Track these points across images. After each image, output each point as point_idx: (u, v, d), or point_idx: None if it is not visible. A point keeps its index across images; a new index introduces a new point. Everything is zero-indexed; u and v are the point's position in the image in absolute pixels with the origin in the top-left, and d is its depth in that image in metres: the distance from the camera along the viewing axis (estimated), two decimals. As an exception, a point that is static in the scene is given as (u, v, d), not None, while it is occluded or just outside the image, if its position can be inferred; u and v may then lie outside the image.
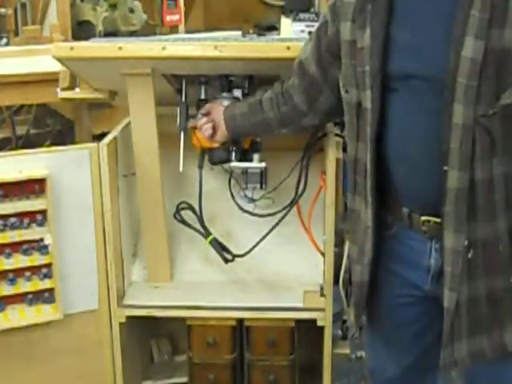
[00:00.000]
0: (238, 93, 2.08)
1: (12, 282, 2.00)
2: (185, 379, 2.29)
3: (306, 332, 2.17)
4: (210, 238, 2.16)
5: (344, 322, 2.19)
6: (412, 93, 1.46)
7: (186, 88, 2.06)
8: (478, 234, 1.45)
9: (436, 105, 1.41)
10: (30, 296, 2.03)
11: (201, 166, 2.08)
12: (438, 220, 1.48)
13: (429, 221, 1.52)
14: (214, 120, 1.96)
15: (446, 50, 1.37)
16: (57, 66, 2.16)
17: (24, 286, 2.02)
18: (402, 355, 1.74)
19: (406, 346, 1.72)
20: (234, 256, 2.15)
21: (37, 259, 2.00)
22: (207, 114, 1.99)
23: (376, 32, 1.46)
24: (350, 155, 1.61)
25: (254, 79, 2.08)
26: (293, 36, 2.23)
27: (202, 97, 2.08)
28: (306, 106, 1.75)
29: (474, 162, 1.40)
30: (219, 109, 1.96)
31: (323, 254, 2.10)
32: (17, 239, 1.98)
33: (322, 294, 2.07)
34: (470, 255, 1.45)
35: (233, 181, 2.21)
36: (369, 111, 1.50)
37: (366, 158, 1.54)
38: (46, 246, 2.00)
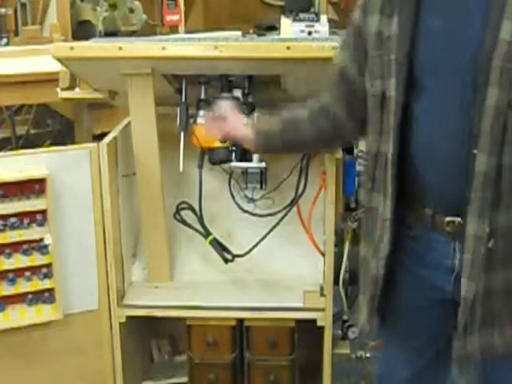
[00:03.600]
0: (238, 93, 2.08)
1: (12, 281, 2.00)
2: (185, 379, 2.29)
3: (306, 332, 2.16)
4: (210, 238, 2.16)
5: (344, 322, 2.19)
6: (440, 82, 1.46)
7: (185, 88, 2.06)
8: (499, 222, 1.45)
9: (466, 91, 1.42)
10: (30, 296, 2.03)
11: (201, 166, 2.08)
12: (462, 221, 1.47)
13: (453, 221, 1.51)
14: (227, 125, 1.85)
15: (481, 34, 1.38)
16: (57, 66, 2.16)
17: (24, 286, 2.02)
18: (415, 358, 1.72)
19: (421, 348, 1.71)
20: (234, 256, 2.15)
21: (37, 259, 2.00)
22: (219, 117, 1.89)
23: (404, 20, 1.47)
24: (371, 150, 1.60)
25: (253, 79, 2.08)
26: (293, 36, 2.22)
27: (202, 97, 2.08)
28: (345, 114, 1.70)
29: (504, 146, 1.40)
30: (240, 119, 1.88)
31: (323, 254, 2.10)
32: (17, 239, 1.98)
33: (322, 294, 2.07)
34: (490, 244, 1.45)
35: (233, 181, 2.21)
36: (393, 99, 1.50)
37: (387, 149, 1.53)
38: (46, 246, 1.99)
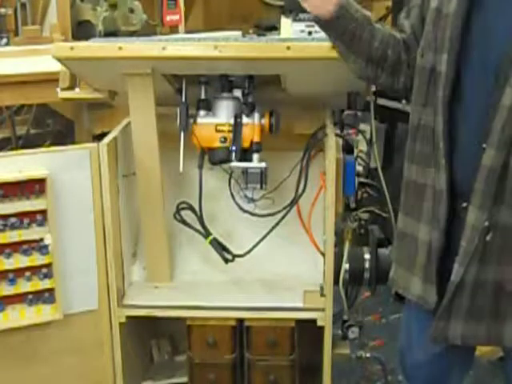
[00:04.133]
0: (238, 93, 2.08)
1: (12, 281, 2.00)
2: (185, 379, 2.29)
3: (306, 332, 2.16)
4: (210, 238, 2.16)
5: (344, 322, 2.19)
6: (481, 68, 1.51)
7: (185, 88, 2.06)
8: (500, 218, 1.50)
9: (490, 85, 1.48)
10: (30, 296, 2.03)
11: (201, 166, 2.08)
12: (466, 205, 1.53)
13: (466, 207, 1.54)
14: None
15: (510, 34, 1.44)
16: (57, 66, 2.16)
17: (24, 286, 2.02)
18: (429, 343, 1.73)
19: None
20: (234, 256, 2.15)
21: (37, 259, 2.00)
22: None
23: (461, 1, 1.51)
24: (413, 122, 1.64)
25: (253, 79, 2.08)
26: (293, 36, 2.22)
27: (202, 97, 2.08)
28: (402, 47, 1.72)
29: None
30: None
31: (323, 254, 2.10)
32: (17, 239, 1.98)
33: (322, 294, 2.07)
34: (488, 238, 1.50)
35: (233, 181, 2.21)
36: (443, 74, 1.54)
37: (433, 122, 1.58)
38: (46, 246, 2.00)
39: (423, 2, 1.66)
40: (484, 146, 1.48)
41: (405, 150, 1.70)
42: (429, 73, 1.59)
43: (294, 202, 2.15)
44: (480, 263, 1.52)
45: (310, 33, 2.19)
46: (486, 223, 1.50)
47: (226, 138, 2.04)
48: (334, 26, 1.72)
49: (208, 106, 2.08)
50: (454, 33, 1.53)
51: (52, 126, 3.92)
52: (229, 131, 2.04)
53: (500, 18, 1.49)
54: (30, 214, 1.98)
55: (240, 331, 2.17)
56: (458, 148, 1.56)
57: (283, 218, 2.13)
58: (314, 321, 2.08)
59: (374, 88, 2.22)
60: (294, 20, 2.22)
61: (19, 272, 2.01)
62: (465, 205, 1.54)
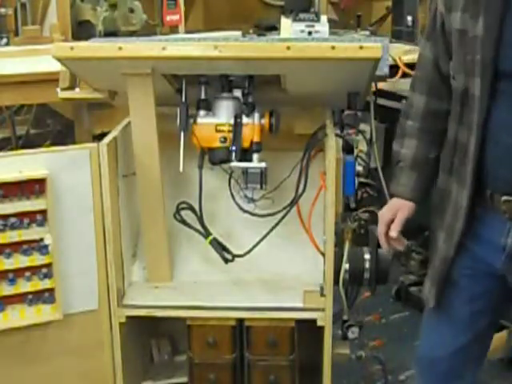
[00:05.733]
0: (238, 93, 2.08)
1: (12, 281, 2.00)
2: (185, 379, 2.29)
3: (306, 332, 2.16)
4: (210, 238, 2.16)
5: (344, 322, 2.19)
6: None
7: (185, 88, 2.06)
8: None
9: None
10: (30, 296, 2.03)
11: (201, 166, 2.08)
12: None
13: (509, 200, 1.57)
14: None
15: None
16: (57, 66, 2.16)
17: (24, 286, 2.01)
18: (453, 336, 1.79)
19: (464, 323, 1.77)
20: (234, 256, 2.15)
21: (37, 259, 2.00)
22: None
23: (490, 23, 1.50)
24: (450, 136, 1.67)
25: (254, 79, 2.08)
26: (293, 36, 2.22)
27: (202, 97, 2.08)
28: (443, 103, 1.75)
29: None
30: (402, 203, 1.84)
31: (323, 254, 2.10)
32: (17, 239, 1.97)
33: (322, 294, 2.07)
34: None
35: (233, 181, 2.21)
36: (477, 99, 1.55)
37: (468, 142, 1.59)
38: (46, 246, 1.99)
39: (443, 21, 1.65)
40: None
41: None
42: (461, 94, 1.60)
43: (294, 202, 2.15)
44: None
45: (309, 33, 2.19)
46: None
47: (226, 138, 2.04)
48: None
49: (208, 106, 2.08)
50: (485, 58, 1.51)
51: (52, 126, 3.93)
52: (229, 131, 2.04)
53: None
54: (30, 214, 1.98)
55: (240, 331, 2.17)
56: (504, 159, 1.57)
57: (283, 218, 2.13)
58: (314, 321, 2.08)
59: (373, 88, 2.22)
60: (294, 20, 2.22)
61: (19, 272, 2.01)
62: None
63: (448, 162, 1.69)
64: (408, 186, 1.82)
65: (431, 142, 1.78)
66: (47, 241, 1.99)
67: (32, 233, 1.99)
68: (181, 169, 2.00)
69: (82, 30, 3.54)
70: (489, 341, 1.87)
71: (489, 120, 1.56)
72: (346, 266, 2.08)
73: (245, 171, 2.08)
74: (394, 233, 1.82)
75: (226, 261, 2.15)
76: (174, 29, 3.99)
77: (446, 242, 1.70)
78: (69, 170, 2.01)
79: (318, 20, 2.23)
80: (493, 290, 1.71)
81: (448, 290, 1.77)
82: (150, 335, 2.50)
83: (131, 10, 3.76)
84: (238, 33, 2.65)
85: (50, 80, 2.53)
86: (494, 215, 1.62)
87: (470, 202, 1.61)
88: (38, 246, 2.00)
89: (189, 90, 2.06)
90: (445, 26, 1.67)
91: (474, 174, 1.60)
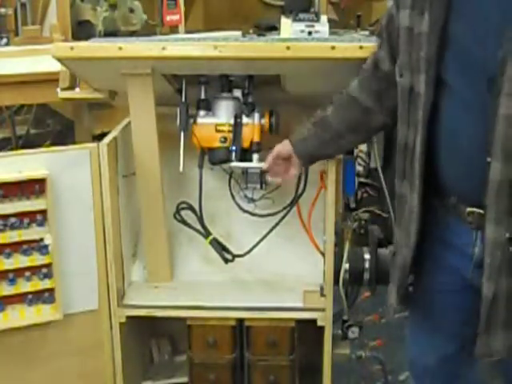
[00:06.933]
0: (238, 93, 2.08)
1: (12, 281, 2.00)
2: (185, 379, 2.29)
3: (306, 332, 2.16)
4: (210, 238, 2.16)
5: (344, 321, 2.19)
6: (464, 84, 1.49)
7: (185, 88, 2.06)
8: None
9: (484, 99, 1.44)
10: (30, 296, 2.03)
11: (201, 166, 2.08)
12: (482, 212, 1.50)
13: (473, 212, 1.54)
14: (281, 156, 1.92)
15: (497, 44, 1.40)
16: (57, 66, 2.16)
17: (24, 286, 2.02)
18: (441, 344, 1.77)
19: (447, 334, 1.76)
20: (234, 256, 2.15)
21: (37, 259, 2.00)
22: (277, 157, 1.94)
23: (434, 20, 1.50)
24: (400, 141, 1.65)
25: (253, 79, 2.08)
26: (293, 36, 2.22)
27: (202, 97, 2.08)
28: (373, 102, 1.76)
29: None
30: (285, 142, 1.92)
31: (323, 254, 2.10)
32: (17, 239, 1.98)
33: (322, 294, 2.07)
34: (511, 249, 1.48)
35: (233, 181, 2.21)
36: (422, 96, 1.53)
37: (414, 142, 1.57)
38: (46, 246, 1.99)
39: (393, 20, 1.65)
40: (488, 159, 1.44)
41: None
42: (408, 93, 1.59)
43: (294, 202, 2.15)
44: (509, 274, 1.50)
45: (309, 33, 2.19)
46: (507, 235, 1.47)
47: (226, 138, 2.04)
48: (313, 155, 1.89)
49: (208, 106, 2.08)
50: (429, 54, 1.51)
51: (52, 126, 3.92)
52: (229, 131, 2.04)
53: (481, 29, 1.45)
54: (30, 214, 1.98)
55: (240, 331, 2.17)
56: (458, 161, 1.54)
57: (283, 218, 2.14)
58: (314, 321, 2.08)
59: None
60: (294, 20, 2.22)
61: (19, 272, 2.01)
62: (478, 210, 1.52)
63: (401, 167, 1.66)
64: (299, 133, 1.88)
65: (341, 117, 1.81)
66: (47, 241, 1.99)
67: (32, 233, 1.99)
68: (181, 169, 2.00)
69: (81, 30, 3.54)
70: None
71: (436, 120, 1.54)
72: (346, 265, 2.08)
73: (245, 171, 2.08)
74: (264, 164, 1.96)
75: (226, 261, 2.15)
76: (174, 29, 3.98)
77: (405, 246, 1.66)
78: (69, 170, 2.01)
79: (318, 20, 2.23)
80: (471, 301, 1.63)
81: (422, 304, 1.75)
82: (150, 335, 2.50)
83: (131, 10, 3.75)
84: (238, 33, 2.64)
85: (50, 80, 2.53)
86: (460, 223, 1.59)
87: (421, 203, 1.58)
88: (38, 246, 2.00)
89: (189, 89, 2.06)
90: (390, 26, 1.67)
91: (421, 174, 1.57)
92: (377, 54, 1.75)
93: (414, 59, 1.55)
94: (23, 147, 3.34)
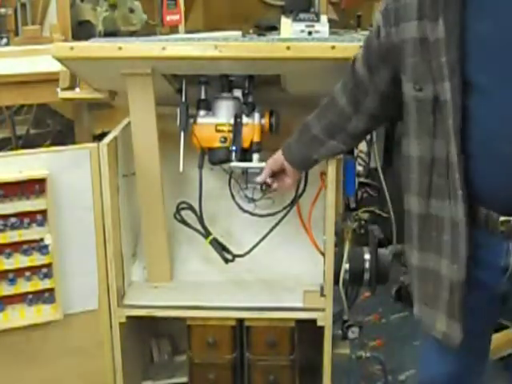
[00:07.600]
0: (238, 93, 2.08)
1: (12, 281, 2.00)
2: (185, 379, 2.29)
3: (306, 332, 2.16)
4: (210, 238, 2.16)
5: (344, 322, 2.19)
6: (500, 84, 1.43)
7: (185, 88, 2.06)
8: None
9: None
10: (30, 296, 2.03)
11: (201, 166, 2.08)
12: None
13: (508, 221, 1.49)
14: (274, 171, 1.96)
15: None
16: (57, 66, 2.16)
17: (24, 286, 2.02)
18: (458, 358, 1.70)
19: (470, 345, 1.65)
20: (234, 256, 2.15)
21: (37, 259, 2.00)
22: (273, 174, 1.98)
23: (451, 24, 1.44)
24: (421, 157, 1.57)
25: (254, 79, 2.08)
26: (293, 36, 2.22)
27: (202, 97, 2.09)
28: (351, 107, 1.74)
29: None
30: (277, 153, 1.94)
31: (323, 254, 2.10)
32: (17, 239, 1.98)
33: (322, 294, 2.07)
34: None
35: (233, 181, 2.21)
36: (449, 103, 1.46)
37: (446, 154, 1.51)
38: (46, 246, 2.00)
39: (380, 34, 1.61)
40: None
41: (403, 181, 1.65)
42: (432, 104, 1.52)
43: (294, 202, 2.15)
44: None
45: (309, 33, 2.19)
46: None
47: (226, 138, 2.04)
48: (299, 160, 1.92)
49: (208, 106, 2.08)
50: (451, 59, 1.45)
51: (52, 126, 3.92)
52: (229, 131, 2.05)
53: (502, 26, 1.40)
54: (30, 214, 1.98)
55: (240, 331, 2.17)
56: (494, 163, 1.48)
57: (283, 218, 2.14)
58: (314, 321, 2.08)
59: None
60: (294, 20, 2.22)
61: (19, 272, 2.01)
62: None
63: (425, 183, 1.58)
64: (289, 139, 1.90)
65: (318, 120, 1.81)
66: (47, 241, 1.99)
67: (32, 233, 1.99)
68: (181, 169, 2.01)
69: (81, 30, 3.54)
70: (489, 347, 1.78)
71: (468, 126, 1.47)
72: (346, 265, 2.08)
73: (245, 171, 2.08)
74: (258, 178, 2.00)
75: (226, 261, 2.15)
76: (173, 29, 3.98)
77: (449, 267, 1.55)
78: (69, 170, 2.01)
79: (318, 20, 2.23)
80: (492, 313, 1.63)
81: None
82: (150, 335, 2.50)
83: (131, 10, 3.75)
84: (238, 33, 2.65)
85: (50, 80, 2.53)
86: (488, 235, 1.51)
87: (467, 217, 1.50)
88: (38, 245, 2.00)
89: (189, 89, 2.06)
90: (380, 38, 1.62)
91: (463, 185, 1.49)
92: (355, 57, 1.74)
93: (434, 68, 1.49)
94: (23, 147, 3.34)
